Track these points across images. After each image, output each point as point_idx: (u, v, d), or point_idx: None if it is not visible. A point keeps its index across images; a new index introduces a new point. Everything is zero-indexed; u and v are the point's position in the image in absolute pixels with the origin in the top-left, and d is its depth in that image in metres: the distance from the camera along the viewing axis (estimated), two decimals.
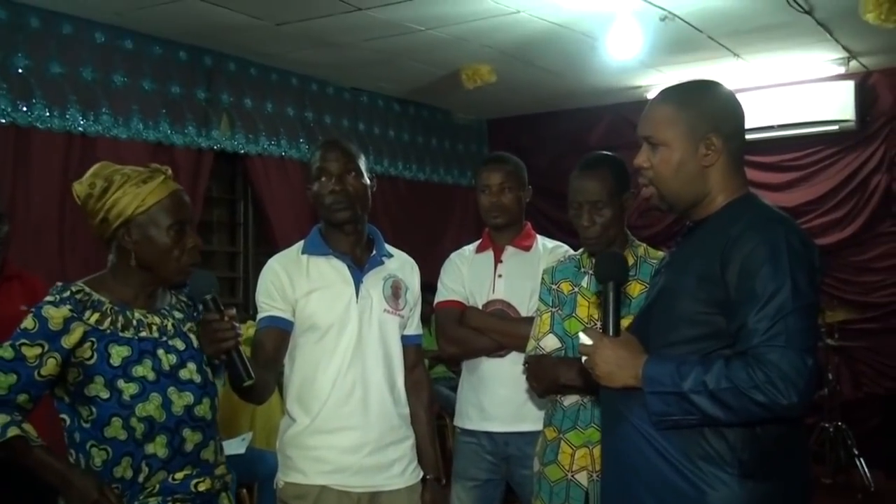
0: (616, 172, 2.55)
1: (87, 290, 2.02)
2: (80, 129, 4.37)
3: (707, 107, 1.87)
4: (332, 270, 2.49)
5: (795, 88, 5.88)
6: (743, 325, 1.70)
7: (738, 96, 1.93)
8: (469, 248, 3.23)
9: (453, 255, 3.24)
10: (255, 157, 5.33)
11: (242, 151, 5.23)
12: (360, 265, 2.51)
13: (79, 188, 2.05)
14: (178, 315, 2.13)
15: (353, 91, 6.12)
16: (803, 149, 6.07)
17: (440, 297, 3.14)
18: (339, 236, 2.52)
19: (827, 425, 5.34)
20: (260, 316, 2.45)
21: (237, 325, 2.04)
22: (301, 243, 2.55)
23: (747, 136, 1.95)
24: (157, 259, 2.03)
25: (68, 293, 1.99)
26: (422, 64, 5.48)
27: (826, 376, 5.39)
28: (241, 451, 3.85)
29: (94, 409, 1.95)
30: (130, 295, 2.05)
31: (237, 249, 5.66)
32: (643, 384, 1.77)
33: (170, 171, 2.09)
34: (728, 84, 1.95)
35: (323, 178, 2.48)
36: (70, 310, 1.97)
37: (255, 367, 2.09)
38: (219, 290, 2.05)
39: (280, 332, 2.44)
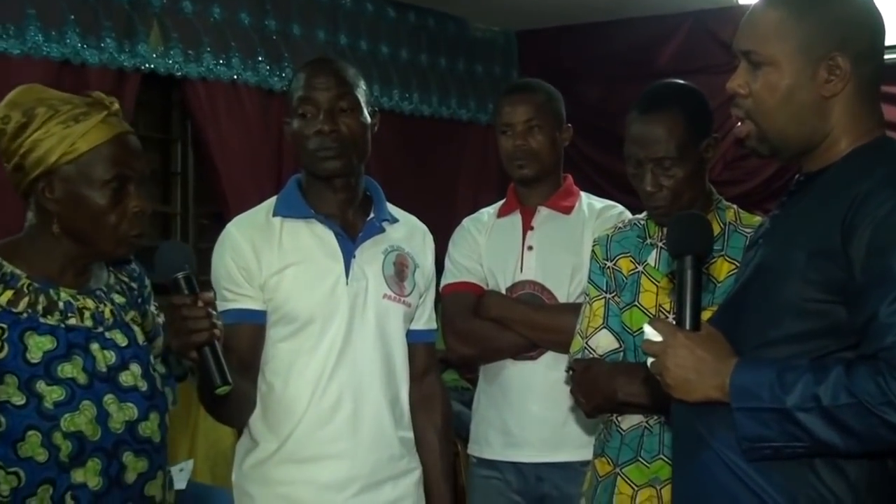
0: (691, 112, 2.53)
1: None
2: None
3: (832, 14, 1.86)
4: (314, 240, 2.50)
5: None
6: (872, 317, 1.70)
7: (878, 1, 1.92)
8: (489, 212, 3.25)
9: (466, 221, 3.26)
10: (197, 82, 5.31)
11: (179, 73, 5.21)
12: (352, 233, 2.52)
13: None
14: (118, 299, 2.15)
15: None
16: None
17: (448, 277, 3.17)
18: (324, 193, 2.52)
19: None
20: (222, 308, 2.44)
21: (214, 312, 2.07)
22: (271, 202, 2.56)
23: (886, 58, 1.93)
24: (88, 226, 2.04)
25: None
26: None
27: None
28: (181, 485, 3.88)
29: (2, 420, 1.95)
30: (55, 269, 2.07)
31: (172, 209, 5.66)
32: (731, 397, 1.77)
33: (117, 105, 2.09)
34: None
35: (307, 114, 2.47)
36: None
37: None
38: (195, 267, 2.08)
39: (254, 329, 2.46)
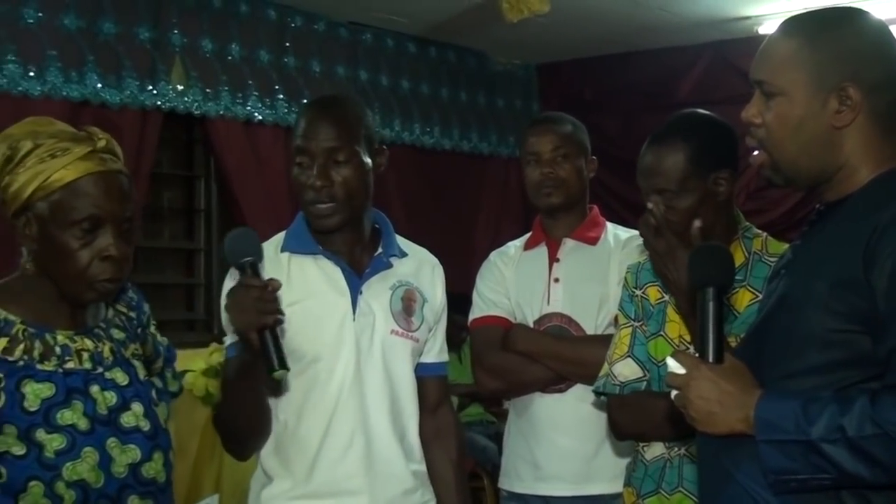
0: (700, 144, 2.49)
1: None
2: None
3: (845, 46, 1.86)
4: (321, 276, 2.50)
5: None
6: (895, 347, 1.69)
7: (893, 30, 1.92)
8: (515, 244, 3.26)
9: (493, 255, 3.27)
10: (217, 120, 5.34)
11: (199, 112, 5.25)
12: (358, 269, 2.52)
13: None
14: (117, 335, 2.11)
15: (352, 27, 6.12)
16: None
17: (477, 311, 3.18)
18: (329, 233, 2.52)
19: None
20: (231, 342, 2.43)
21: (279, 298, 2.20)
22: (280, 237, 2.57)
23: None
24: (56, 266, 1.99)
25: None
26: None
27: None
28: None
29: (2, 471, 1.92)
30: (49, 310, 2.02)
31: (196, 245, 5.68)
32: (755, 430, 1.76)
33: (104, 143, 2.02)
34: (878, 13, 1.94)
35: (303, 163, 2.45)
36: None
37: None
38: (262, 257, 2.25)
39: None
